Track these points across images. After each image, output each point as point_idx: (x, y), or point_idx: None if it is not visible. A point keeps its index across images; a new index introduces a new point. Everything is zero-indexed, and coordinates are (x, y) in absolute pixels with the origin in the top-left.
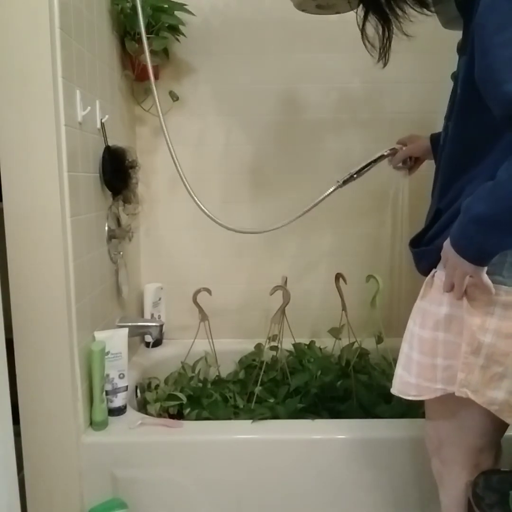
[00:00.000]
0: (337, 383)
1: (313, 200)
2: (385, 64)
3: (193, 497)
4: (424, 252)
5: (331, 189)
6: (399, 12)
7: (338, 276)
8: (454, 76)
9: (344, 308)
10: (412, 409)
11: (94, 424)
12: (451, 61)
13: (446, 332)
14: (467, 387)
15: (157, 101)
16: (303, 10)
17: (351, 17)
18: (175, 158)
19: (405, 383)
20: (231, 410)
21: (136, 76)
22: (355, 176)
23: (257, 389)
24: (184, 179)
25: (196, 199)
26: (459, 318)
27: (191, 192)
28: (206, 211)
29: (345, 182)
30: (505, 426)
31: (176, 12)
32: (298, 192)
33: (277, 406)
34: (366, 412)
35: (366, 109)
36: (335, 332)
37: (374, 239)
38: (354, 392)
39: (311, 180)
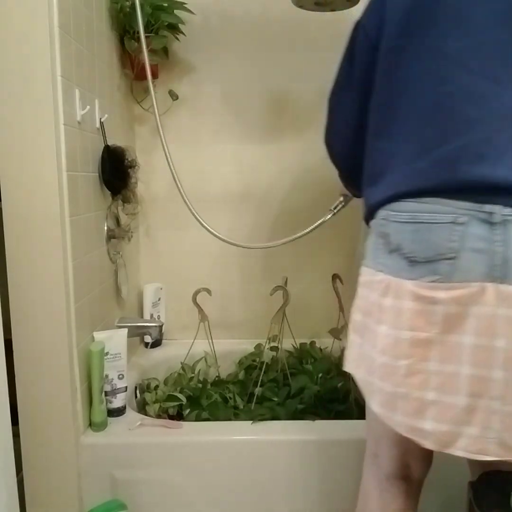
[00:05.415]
0: (337, 384)
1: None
2: None
3: (192, 498)
4: None
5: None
6: None
7: (335, 277)
8: None
9: (341, 309)
10: None
11: (93, 425)
12: None
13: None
14: None
15: (154, 102)
16: (300, 6)
17: (354, 17)
18: (170, 164)
19: None
20: (231, 411)
21: (135, 75)
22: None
23: (258, 389)
24: (179, 186)
25: (193, 211)
26: None
27: (188, 202)
28: (200, 218)
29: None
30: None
31: (175, 11)
32: (300, 191)
33: (277, 407)
34: (365, 413)
35: None
36: (335, 333)
37: None
38: (353, 393)
39: (312, 180)
